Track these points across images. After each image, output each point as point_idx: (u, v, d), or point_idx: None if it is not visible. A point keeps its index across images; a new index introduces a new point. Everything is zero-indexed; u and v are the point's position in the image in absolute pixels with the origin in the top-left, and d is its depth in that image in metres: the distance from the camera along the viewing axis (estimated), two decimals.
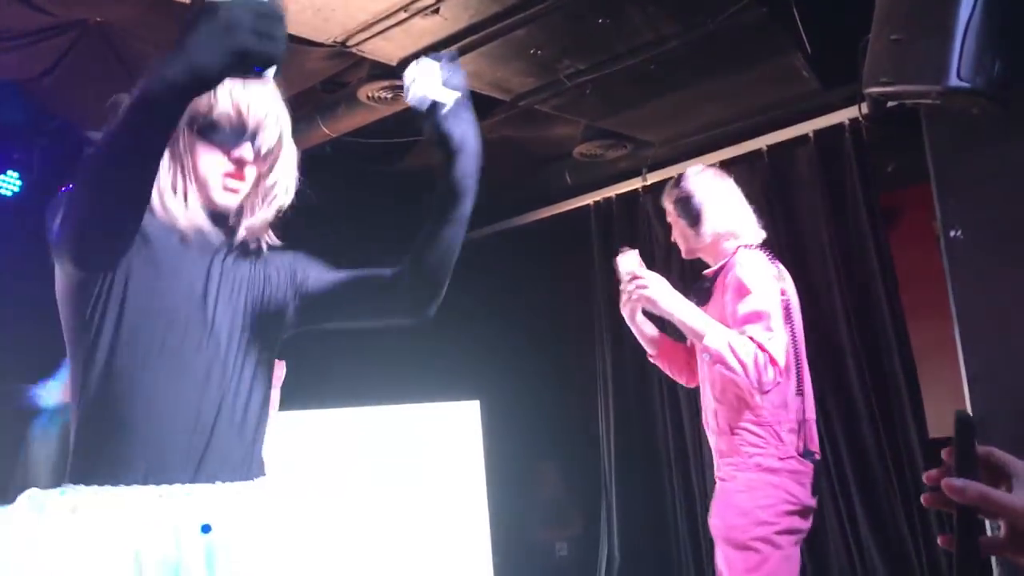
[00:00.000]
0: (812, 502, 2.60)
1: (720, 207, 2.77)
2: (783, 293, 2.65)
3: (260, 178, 1.58)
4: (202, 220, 1.50)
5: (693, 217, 2.77)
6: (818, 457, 2.66)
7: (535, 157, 4.98)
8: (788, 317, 2.63)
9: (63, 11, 3.25)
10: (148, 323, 1.40)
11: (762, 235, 2.83)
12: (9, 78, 3.75)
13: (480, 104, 4.13)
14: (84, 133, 3.70)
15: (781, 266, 2.78)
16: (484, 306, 5.39)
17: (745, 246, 2.73)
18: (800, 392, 2.65)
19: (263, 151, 1.55)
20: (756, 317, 2.53)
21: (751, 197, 2.93)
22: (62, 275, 1.44)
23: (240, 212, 1.58)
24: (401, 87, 1.51)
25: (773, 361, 2.47)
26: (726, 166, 4.48)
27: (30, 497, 1.32)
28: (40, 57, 3.52)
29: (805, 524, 2.60)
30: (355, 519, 4.67)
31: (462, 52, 3.51)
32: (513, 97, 4.01)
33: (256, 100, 1.52)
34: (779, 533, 2.51)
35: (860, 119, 4.06)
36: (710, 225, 2.76)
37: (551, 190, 5.36)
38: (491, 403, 5.51)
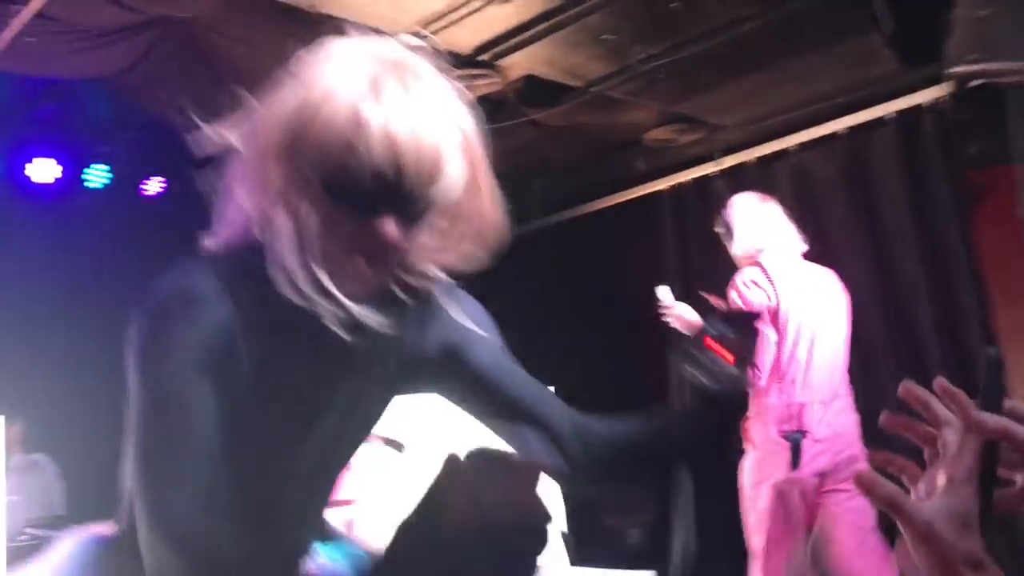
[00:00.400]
0: (798, 474, 3.06)
1: (748, 231, 3.33)
2: (770, 299, 3.17)
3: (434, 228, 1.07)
4: (335, 297, 1.00)
5: (730, 242, 3.39)
6: (817, 438, 3.07)
7: (608, 143, 4.96)
8: (775, 319, 3.15)
9: (149, 8, 3.36)
10: (232, 421, 1.01)
11: (800, 248, 3.32)
12: (98, 74, 3.89)
13: (552, 90, 4.15)
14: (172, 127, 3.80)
15: (794, 271, 3.25)
16: (554, 293, 5.40)
17: (749, 263, 3.26)
18: (791, 380, 3.13)
19: (425, 212, 1.03)
20: None
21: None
22: None
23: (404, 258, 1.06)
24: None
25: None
26: (803, 149, 4.43)
27: (71, 540, 1.16)
28: (126, 53, 3.65)
29: (797, 487, 3.07)
30: None
31: (534, 39, 3.52)
32: (586, 83, 4.00)
33: (417, 135, 0.96)
34: (766, 498, 3.09)
35: (943, 99, 3.95)
36: (740, 247, 3.36)
37: (624, 176, 5.33)
38: (563, 388, 5.50)
